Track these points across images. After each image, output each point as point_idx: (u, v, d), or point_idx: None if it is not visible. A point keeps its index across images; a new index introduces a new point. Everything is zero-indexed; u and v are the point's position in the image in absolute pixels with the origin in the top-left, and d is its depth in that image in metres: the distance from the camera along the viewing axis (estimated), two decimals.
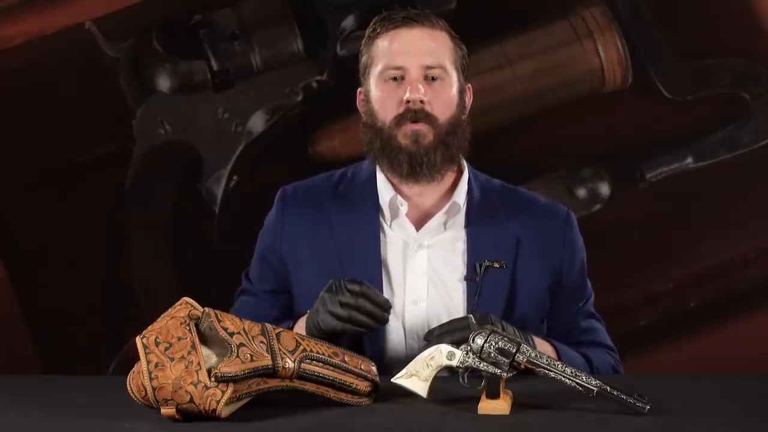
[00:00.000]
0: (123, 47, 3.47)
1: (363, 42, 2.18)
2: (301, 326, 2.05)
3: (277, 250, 2.19)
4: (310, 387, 1.72)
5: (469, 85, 2.20)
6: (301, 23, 3.43)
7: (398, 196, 2.15)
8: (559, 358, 2.05)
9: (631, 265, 3.36)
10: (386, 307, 1.96)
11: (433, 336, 1.91)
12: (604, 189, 3.40)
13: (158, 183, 3.48)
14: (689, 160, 3.38)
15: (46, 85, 3.47)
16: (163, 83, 3.48)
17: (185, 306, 1.71)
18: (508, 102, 3.35)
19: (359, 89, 2.20)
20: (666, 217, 3.38)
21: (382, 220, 2.16)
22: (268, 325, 1.73)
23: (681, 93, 3.39)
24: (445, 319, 2.06)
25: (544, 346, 2.07)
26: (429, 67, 2.10)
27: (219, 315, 1.70)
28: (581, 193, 3.39)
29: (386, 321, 1.98)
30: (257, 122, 3.46)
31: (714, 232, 3.36)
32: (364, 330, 1.97)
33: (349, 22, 3.41)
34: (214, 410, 1.61)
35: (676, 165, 3.39)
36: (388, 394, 1.78)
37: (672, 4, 3.38)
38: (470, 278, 2.10)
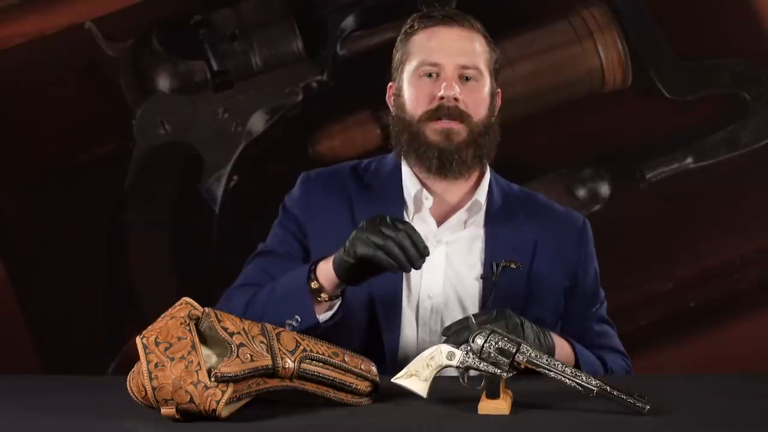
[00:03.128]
0: (123, 47, 3.47)
1: (399, 38, 2.19)
2: (324, 268, 1.99)
3: (302, 221, 2.18)
4: (310, 387, 1.72)
5: (499, 89, 2.22)
6: (301, 23, 3.43)
7: (424, 190, 2.16)
8: (576, 357, 2.07)
9: (631, 265, 3.36)
10: (424, 252, 1.90)
11: (451, 332, 1.91)
12: (604, 189, 3.40)
13: (158, 183, 3.48)
14: (689, 160, 3.38)
15: (46, 85, 3.47)
16: (163, 83, 3.48)
17: (185, 306, 1.71)
18: (508, 102, 3.35)
19: (390, 84, 2.21)
20: (666, 217, 3.38)
21: (405, 212, 2.16)
22: (268, 325, 1.73)
23: (681, 93, 3.39)
24: (458, 316, 2.08)
25: (560, 343, 2.07)
26: (464, 67, 2.12)
27: (219, 315, 1.69)
28: (581, 193, 3.39)
29: (418, 265, 1.90)
30: (257, 122, 3.46)
31: (714, 232, 3.36)
32: (394, 264, 1.89)
33: (349, 22, 3.41)
34: (214, 410, 1.61)
35: (676, 165, 3.39)
36: (388, 394, 1.78)
37: (672, 4, 3.38)
38: (486, 277, 2.11)
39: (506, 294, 2.10)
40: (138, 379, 1.64)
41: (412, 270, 2.05)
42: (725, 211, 3.37)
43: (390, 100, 2.21)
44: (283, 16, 3.44)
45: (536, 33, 3.39)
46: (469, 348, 1.72)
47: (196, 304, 1.72)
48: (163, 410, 1.63)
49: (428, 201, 2.15)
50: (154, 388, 1.62)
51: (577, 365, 2.06)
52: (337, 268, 1.96)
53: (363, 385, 1.75)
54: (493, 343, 1.71)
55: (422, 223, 2.15)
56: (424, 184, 2.16)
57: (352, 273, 1.95)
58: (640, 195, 3.39)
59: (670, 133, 3.38)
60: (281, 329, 1.74)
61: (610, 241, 3.25)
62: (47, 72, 3.47)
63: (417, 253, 1.89)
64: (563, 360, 1.91)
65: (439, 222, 2.16)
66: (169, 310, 1.72)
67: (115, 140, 3.49)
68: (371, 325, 2.10)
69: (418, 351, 2.03)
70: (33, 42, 3.46)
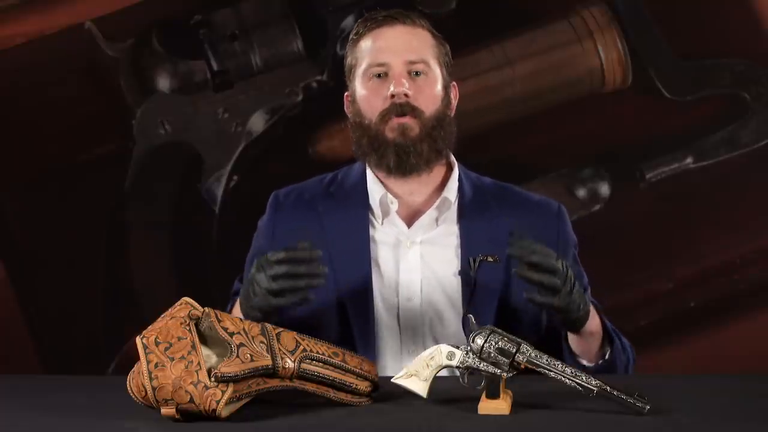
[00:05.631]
0: (123, 47, 3.47)
1: (347, 45, 2.21)
2: (237, 310, 2.02)
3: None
4: (310, 387, 1.72)
5: (455, 82, 2.22)
6: (301, 23, 3.43)
7: (388, 194, 2.16)
8: (604, 325, 2.05)
9: (631, 265, 3.36)
10: (316, 257, 1.89)
11: (522, 246, 1.87)
12: (604, 189, 3.39)
13: (158, 183, 3.48)
14: (689, 160, 3.38)
15: (46, 85, 3.47)
16: (163, 83, 3.48)
17: (185, 306, 1.72)
18: (508, 102, 3.35)
19: (346, 93, 2.22)
20: (666, 217, 3.38)
21: (373, 218, 2.17)
22: (268, 325, 1.73)
23: (681, 93, 3.38)
24: (440, 315, 2.10)
25: (594, 314, 2.04)
26: (412, 62, 2.13)
27: (219, 315, 1.70)
28: (581, 193, 3.39)
29: (325, 273, 1.90)
30: (257, 122, 3.46)
31: (714, 232, 3.36)
32: (307, 297, 1.90)
33: (349, 22, 3.40)
34: (214, 410, 1.62)
35: (676, 165, 3.39)
36: (388, 394, 1.78)
37: (672, 4, 3.38)
38: (464, 273, 2.11)
39: (485, 288, 2.09)
40: (138, 379, 1.64)
41: (386, 274, 2.11)
42: (725, 211, 3.37)
43: (347, 109, 2.22)
44: (283, 16, 3.44)
45: (536, 33, 3.39)
46: (469, 348, 1.72)
47: (196, 304, 1.72)
48: (163, 410, 1.63)
49: (394, 204, 2.16)
50: (154, 388, 1.62)
51: (605, 332, 2.06)
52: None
53: (363, 385, 1.75)
54: (493, 343, 1.71)
55: (392, 226, 2.16)
56: (389, 188, 2.17)
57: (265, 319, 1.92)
58: (640, 195, 3.39)
59: (670, 133, 3.38)
60: (281, 329, 1.74)
61: (610, 241, 3.27)
62: (47, 72, 3.47)
63: (319, 267, 1.88)
64: (594, 329, 1.95)
65: (410, 223, 2.16)
66: (169, 310, 1.72)
67: (115, 140, 3.49)
68: (345, 336, 2.09)
69: (402, 355, 2.05)
70: (33, 42, 3.46)
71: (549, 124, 3.39)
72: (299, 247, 1.91)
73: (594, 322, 2.04)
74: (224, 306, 2.00)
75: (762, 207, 3.36)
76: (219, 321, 1.68)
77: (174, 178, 3.49)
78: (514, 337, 1.72)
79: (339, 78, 3.40)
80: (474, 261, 2.09)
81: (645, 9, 3.38)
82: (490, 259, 2.08)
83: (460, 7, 3.32)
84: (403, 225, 2.16)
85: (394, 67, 2.12)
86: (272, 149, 3.46)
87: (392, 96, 2.11)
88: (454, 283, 2.13)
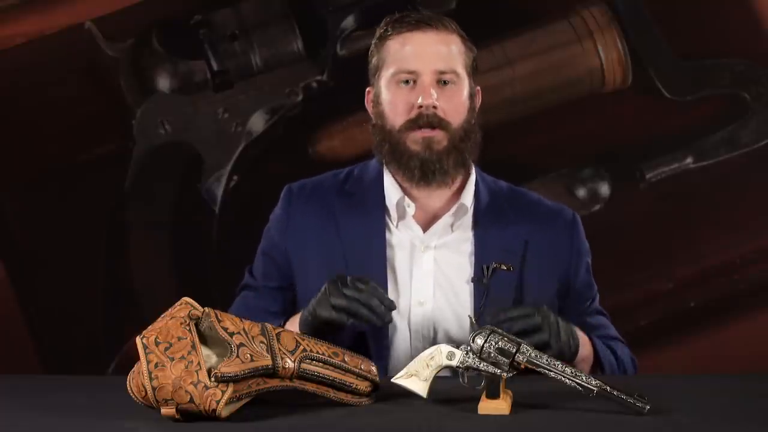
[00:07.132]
0: (123, 47, 3.47)
1: (373, 42, 2.18)
2: (294, 322, 2.05)
3: (282, 247, 2.19)
4: (310, 387, 1.72)
5: (478, 87, 2.20)
6: (301, 23, 3.43)
7: (405, 197, 2.15)
8: (596, 353, 2.08)
9: (631, 265, 3.36)
10: (391, 306, 1.95)
11: (500, 320, 1.91)
12: (604, 189, 3.40)
13: (158, 183, 3.48)
14: (689, 160, 3.39)
15: (46, 85, 3.47)
16: (163, 83, 3.48)
17: (185, 306, 1.71)
18: (508, 102, 3.35)
19: (368, 89, 2.20)
20: (666, 217, 3.38)
21: (388, 220, 2.16)
22: (268, 325, 1.73)
23: (681, 93, 3.39)
24: (451, 321, 2.10)
25: (584, 340, 2.07)
26: (441, 72, 2.11)
27: (219, 315, 1.70)
28: (581, 193, 3.39)
29: (389, 320, 1.96)
30: (257, 122, 3.46)
31: (714, 232, 3.36)
32: (364, 325, 1.95)
33: (349, 22, 3.41)
34: (214, 410, 1.62)
35: (676, 165, 3.39)
36: (388, 394, 1.78)
37: (672, 4, 3.38)
38: (477, 280, 2.10)
39: (498, 295, 2.09)
40: (138, 379, 1.64)
41: (401, 278, 2.10)
42: (725, 211, 3.37)
43: (369, 105, 2.20)
44: (283, 16, 3.44)
45: (536, 33, 3.39)
46: (469, 348, 1.72)
47: (196, 304, 1.72)
48: (163, 410, 1.63)
49: (411, 208, 2.15)
50: (154, 388, 1.62)
51: (597, 359, 2.08)
52: (303, 327, 1.99)
53: (363, 385, 1.76)
54: (493, 343, 1.71)
55: (408, 230, 2.15)
56: (406, 191, 2.16)
57: (318, 333, 1.95)
58: (640, 195, 3.39)
59: (670, 133, 3.38)
60: (281, 329, 1.74)
61: (610, 241, 3.27)
62: (47, 72, 3.47)
63: (385, 310, 1.94)
64: (585, 354, 1.99)
65: (425, 227, 2.16)
66: (169, 310, 1.72)
67: (115, 140, 3.49)
68: (358, 338, 2.09)
69: (411, 358, 2.04)
70: (33, 42, 3.46)
71: (549, 124, 3.39)
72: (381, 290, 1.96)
73: (585, 350, 2.06)
74: (224, 306, 2.00)
75: (762, 207, 3.37)
76: (219, 321, 1.68)
77: (174, 178, 3.49)
78: (514, 337, 1.72)
79: (339, 78, 3.42)
80: (487, 268, 2.09)
81: (645, 9, 3.38)
82: (503, 267, 2.08)
83: (460, 7, 3.32)
84: (418, 229, 2.15)
85: (423, 75, 2.09)
86: (272, 149, 3.46)
87: (419, 107, 2.09)
88: (467, 290, 2.13)
